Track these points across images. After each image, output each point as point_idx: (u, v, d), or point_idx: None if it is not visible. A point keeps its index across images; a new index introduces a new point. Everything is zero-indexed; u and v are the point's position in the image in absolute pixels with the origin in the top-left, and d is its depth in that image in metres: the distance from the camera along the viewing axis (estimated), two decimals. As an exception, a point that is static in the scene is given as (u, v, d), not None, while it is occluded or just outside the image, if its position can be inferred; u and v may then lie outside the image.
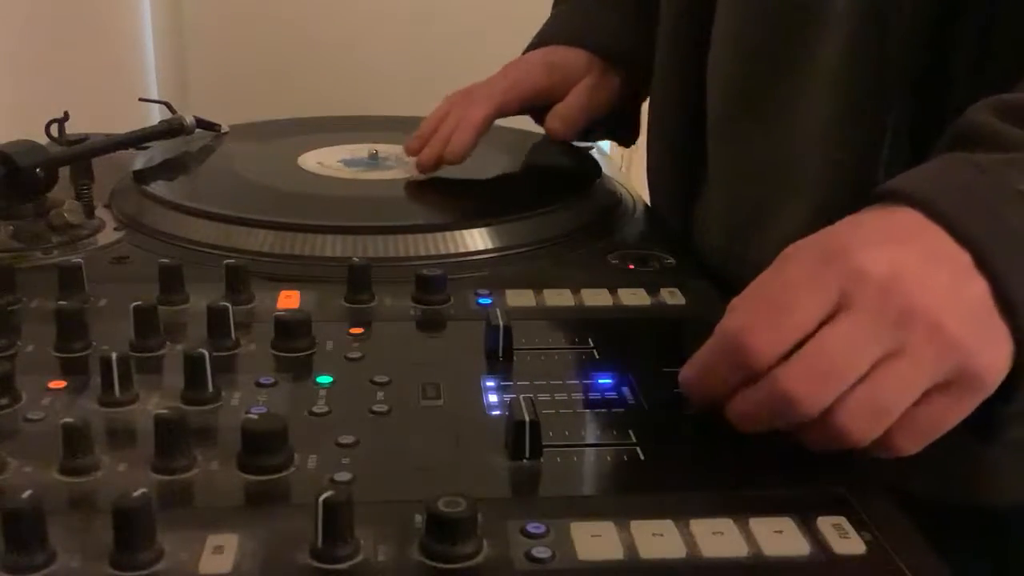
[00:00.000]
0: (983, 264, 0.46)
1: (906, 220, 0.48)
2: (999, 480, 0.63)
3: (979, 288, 0.46)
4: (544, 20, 0.95)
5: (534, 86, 0.88)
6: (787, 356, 0.46)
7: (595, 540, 0.41)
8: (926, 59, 0.59)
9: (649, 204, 0.86)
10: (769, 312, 0.47)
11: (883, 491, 0.46)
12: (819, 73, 0.64)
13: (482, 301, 0.64)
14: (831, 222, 0.50)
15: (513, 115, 0.89)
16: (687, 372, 0.50)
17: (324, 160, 0.88)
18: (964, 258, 0.46)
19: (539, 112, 0.91)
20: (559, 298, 0.65)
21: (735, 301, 0.49)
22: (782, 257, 0.49)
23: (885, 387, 0.45)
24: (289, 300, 0.64)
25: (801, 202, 0.66)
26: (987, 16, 0.57)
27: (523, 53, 0.92)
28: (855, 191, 0.54)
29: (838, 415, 0.45)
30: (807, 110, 0.65)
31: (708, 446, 0.50)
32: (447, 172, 0.84)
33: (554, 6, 0.97)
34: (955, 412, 0.46)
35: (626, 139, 0.96)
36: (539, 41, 0.92)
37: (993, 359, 0.46)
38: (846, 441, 0.46)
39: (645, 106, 0.89)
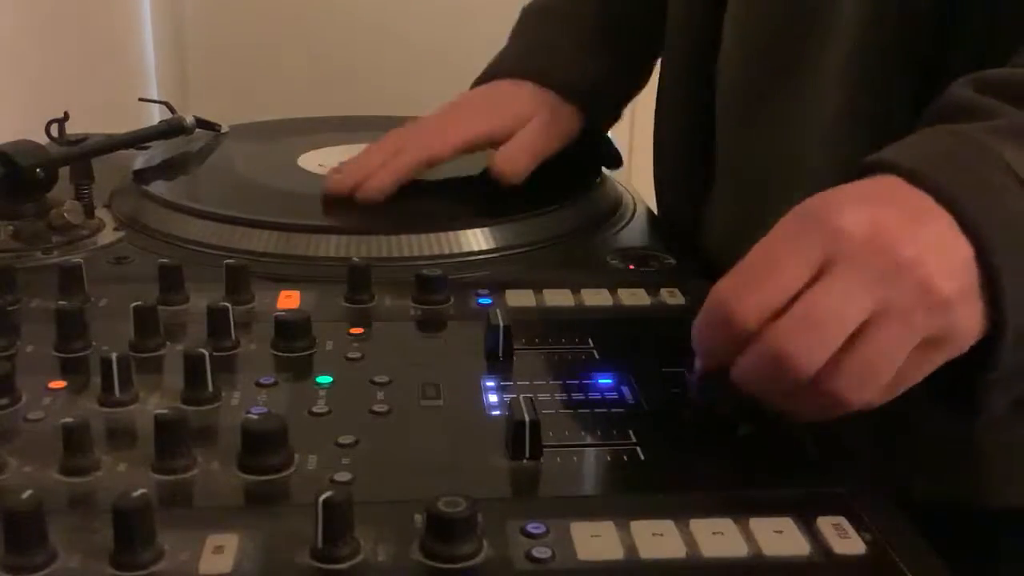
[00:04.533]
0: (966, 224, 0.45)
1: (887, 184, 0.47)
2: (990, 481, 0.63)
3: (964, 249, 0.45)
4: None
5: (476, 129, 0.81)
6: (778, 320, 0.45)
7: (595, 540, 0.41)
8: (933, 60, 0.59)
9: (654, 205, 0.86)
10: (752, 276, 0.46)
11: (883, 491, 0.46)
12: (825, 74, 0.64)
13: (482, 301, 0.64)
14: None
15: (449, 160, 0.81)
16: (694, 332, 0.49)
17: (324, 160, 0.88)
18: (947, 218, 0.45)
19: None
20: (559, 298, 0.65)
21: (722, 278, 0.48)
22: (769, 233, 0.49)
23: (879, 350, 0.44)
24: (289, 300, 0.64)
25: (805, 200, 0.66)
26: (992, 18, 0.57)
27: (472, 85, 0.87)
28: None
29: (834, 380, 0.44)
30: (813, 109, 0.65)
31: (708, 446, 0.50)
32: (447, 172, 0.84)
33: (510, 39, 0.91)
34: (922, 369, 0.46)
35: (609, 164, 0.91)
36: (488, 75, 0.86)
37: (972, 322, 0.45)
38: (840, 408, 0.45)
39: (649, 111, 0.87)
